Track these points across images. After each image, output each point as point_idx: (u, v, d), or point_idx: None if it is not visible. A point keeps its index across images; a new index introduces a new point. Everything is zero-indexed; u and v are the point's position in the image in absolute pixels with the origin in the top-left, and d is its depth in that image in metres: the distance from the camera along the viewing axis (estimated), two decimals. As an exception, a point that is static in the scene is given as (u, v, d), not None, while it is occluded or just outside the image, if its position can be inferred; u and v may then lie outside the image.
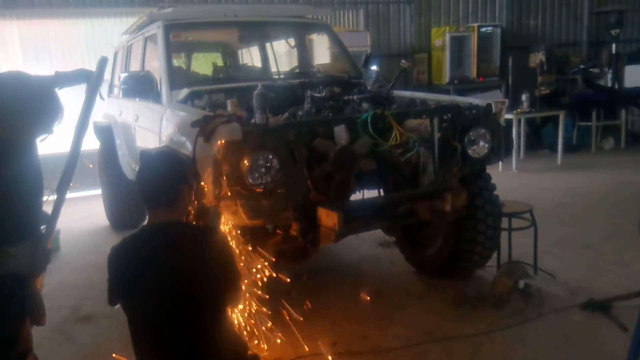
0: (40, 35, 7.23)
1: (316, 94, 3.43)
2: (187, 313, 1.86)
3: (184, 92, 3.41)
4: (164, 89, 3.53)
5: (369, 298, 3.42)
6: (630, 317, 2.63)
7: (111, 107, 4.94)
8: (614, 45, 9.05)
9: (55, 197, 2.21)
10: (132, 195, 4.98)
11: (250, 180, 2.51)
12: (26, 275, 1.97)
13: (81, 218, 5.94)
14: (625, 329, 2.93)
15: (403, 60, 4.05)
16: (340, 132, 2.91)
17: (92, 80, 2.41)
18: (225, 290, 1.94)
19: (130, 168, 4.42)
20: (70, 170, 2.25)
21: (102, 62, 2.40)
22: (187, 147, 2.66)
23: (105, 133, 5.08)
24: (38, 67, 6.83)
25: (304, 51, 4.71)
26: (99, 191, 5.95)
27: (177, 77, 3.68)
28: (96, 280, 4.13)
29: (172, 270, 1.85)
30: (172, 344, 1.89)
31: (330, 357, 2.75)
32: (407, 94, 3.89)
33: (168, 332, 1.89)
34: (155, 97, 3.56)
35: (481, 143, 3.22)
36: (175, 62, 4.81)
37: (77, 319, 3.46)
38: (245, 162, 2.48)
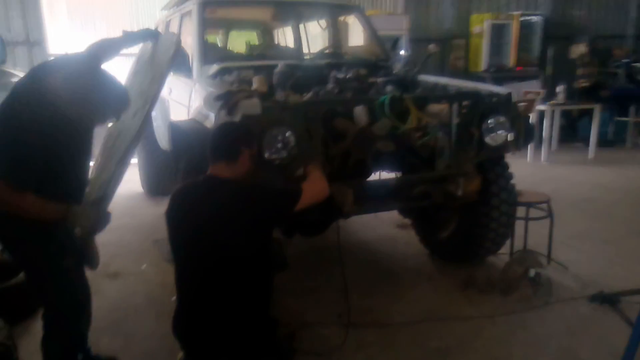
0: (86, 7, 7.54)
1: (341, 75, 3.52)
2: (217, 264, 2.04)
3: (214, 67, 3.55)
4: (195, 64, 3.69)
5: (379, 274, 3.54)
6: (637, 312, 2.66)
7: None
8: (661, 40, 8.71)
9: (117, 166, 2.44)
10: (166, 165, 5.22)
11: (267, 154, 2.65)
12: (90, 232, 2.19)
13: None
14: (631, 324, 2.96)
15: (431, 45, 4.06)
16: (360, 113, 2.99)
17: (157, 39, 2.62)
18: (258, 249, 2.08)
19: (164, 139, 4.63)
20: (136, 143, 2.49)
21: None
22: (211, 121, 2.81)
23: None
24: (83, 37, 7.15)
25: (336, 33, 4.78)
26: (135, 160, 6.25)
27: (208, 53, 3.83)
28: (127, 240, 4.42)
29: (207, 221, 2.03)
30: (201, 292, 2.08)
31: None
32: (433, 78, 3.93)
33: (199, 279, 2.08)
34: (188, 72, 3.73)
35: (499, 131, 3.25)
36: (211, 39, 4.98)
37: (106, 274, 3.71)
38: (263, 136, 2.61)
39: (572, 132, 8.54)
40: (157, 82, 2.69)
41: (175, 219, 2.16)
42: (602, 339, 2.87)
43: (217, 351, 2.11)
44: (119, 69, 2.59)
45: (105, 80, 2.18)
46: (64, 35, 7.47)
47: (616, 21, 9.66)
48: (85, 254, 2.22)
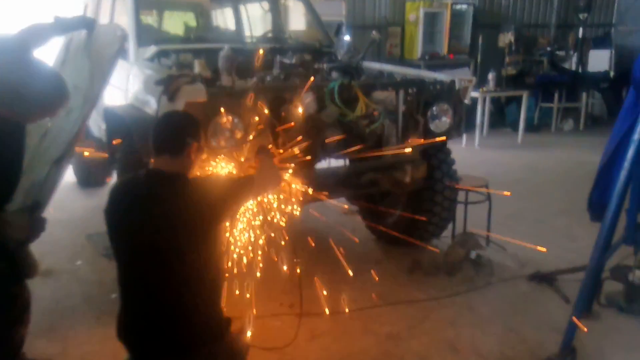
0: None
1: (286, 60, 3.44)
2: (161, 263, 1.90)
3: (152, 49, 3.36)
4: (131, 46, 3.46)
5: (326, 262, 3.52)
6: (573, 290, 2.82)
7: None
8: (580, 29, 9.26)
9: (53, 168, 2.22)
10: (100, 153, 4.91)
11: (214, 143, 2.53)
12: (22, 241, 2.00)
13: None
14: (567, 301, 3.14)
15: (374, 32, 4.07)
16: (308, 100, 2.94)
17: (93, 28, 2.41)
18: (206, 246, 1.96)
19: (97, 125, 4.35)
20: (73, 144, 2.27)
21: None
22: (151, 106, 2.65)
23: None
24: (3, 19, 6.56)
25: (277, 16, 4.67)
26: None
27: (145, 34, 3.61)
28: (58, 236, 4.12)
29: (150, 218, 1.88)
30: (145, 293, 1.94)
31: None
32: (377, 66, 3.93)
33: (143, 279, 1.94)
34: (123, 54, 3.50)
35: (443, 118, 3.32)
36: (146, 20, 4.71)
37: (38, 273, 3.44)
38: (209, 124, 2.50)
39: (500, 118, 8.94)
40: (98, 81, 2.47)
41: (116, 217, 1.99)
42: (543, 316, 3.02)
43: (166, 353, 2.00)
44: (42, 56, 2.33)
45: (40, 71, 1.96)
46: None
47: (540, 11, 10.14)
48: (20, 264, 2.03)
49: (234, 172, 2.64)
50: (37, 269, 2.15)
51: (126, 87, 3.25)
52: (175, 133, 1.98)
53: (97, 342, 2.70)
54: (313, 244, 3.76)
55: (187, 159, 1.98)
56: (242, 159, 2.62)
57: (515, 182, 5.71)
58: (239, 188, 2.10)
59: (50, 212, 2.38)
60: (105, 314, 2.90)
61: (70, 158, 2.33)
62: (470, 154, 6.92)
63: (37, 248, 3.75)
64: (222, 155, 2.62)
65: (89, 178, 5.25)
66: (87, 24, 2.80)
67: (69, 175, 5.49)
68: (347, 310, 3.03)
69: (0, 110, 1.85)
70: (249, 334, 2.58)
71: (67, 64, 3.07)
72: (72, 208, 4.76)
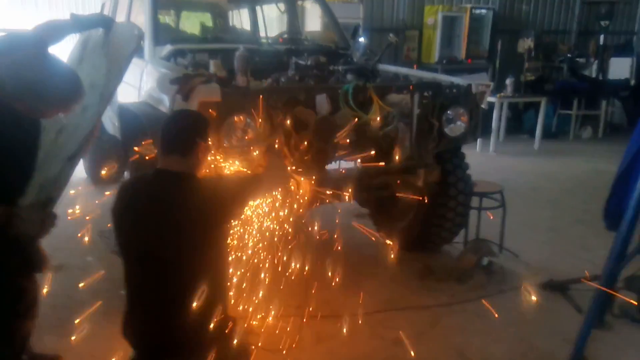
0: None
1: (301, 62, 3.44)
2: (167, 263, 1.90)
3: (167, 48, 3.38)
4: (147, 44, 3.49)
5: (336, 265, 3.50)
6: (586, 300, 2.76)
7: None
8: (602, 37, 9.12)
9: (66, 164, 2.24)
10: (112, 150, 4.96)
11: (226, 143, 2.54)
12: (34, 236, 2.02)
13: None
14: (580, 311, 3.08)
15: (391, 35, 4.05)
16: (322, 102, 2.93)
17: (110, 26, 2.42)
18: (213, 246, 1.96)
19: (111, 122, 4.39)
20: (88, 141, 2.28)
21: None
22: (165, 105, 2.66)
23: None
24: (23, 13, 6.66)
25: (294, 17, 4.68)
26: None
27: (161, 33, 3.64)
28: (71, 232, 4.15)
29: (158, 219, 1.88)
30: (151, 292, 1.94)
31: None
32: (392, 68, 3.91)
33: (149, 278, 1.94)
34: (139, 52, 3.53)
35: (458, 122, 3.29)
36: (163, 19, 4.75)
37: (49, 268, 3.48)
38: (223, 124, 2.50)
39: (517, 124, 8.84)
40: (114, 79, 2.47)
41: (123, 216, 1.98)
42: (554, 326, 2.97)
43: (170, 352, 2.00)
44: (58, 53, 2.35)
45: (56, 67, 1.96)
46: (1, 14, 6.93)
47: (561, 17, 10.02)
48: (31, 259, 2.05)
49: (243, 169, 2.65)
50: (47, 264, 2.17)
51: (140, 85, 3.27)
52: (184, 133, 1.98)
53: (105, 337, 2.70)
54: (321, 247, 3.76)
55: (195, 158, 1.98)
56: (252, 158, 2.62)
57: (531, 189, 5.64)
58: (247, 186, 2.10)
59: (68, 212, 2.40)
60: (113, 310, 2.90)
61: (83, 155, 2.34)
62: (485, 160, 6.85)
63: (50, 242, 3.80)
64: (235, 155, 2.63)
65: (101, 174, 5.29)
66: (105, 22, 2.82)
67: (81, 172, 5.57)
68: (354, 313, 3.02)
69: (16, 105, 1.87)
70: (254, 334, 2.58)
71: (85, 62, 3.10)
72: (83, 204, 4.80)
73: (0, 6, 6.86)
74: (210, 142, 2.04)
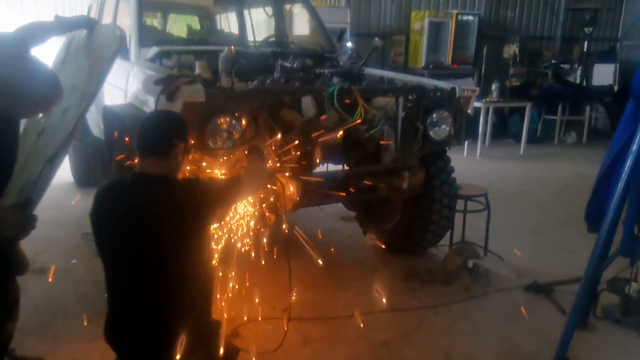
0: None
1: (287, 64, 3.44)
2: (147, 266, 1.88)
3: (153, 50, 3.37)
4: (132, 46, 3.48)
5: (323, 267, 3.51)
6: (570, 301, 2.79)
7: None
8: (585, 43, 9.25)
9: (46, 166, 2.22)
10: (98, 153, 4.92)
11: (211, 144, 2.53)
12: (13, 238, 1.99)
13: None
14: (563, 312, 3.11)
15: (376, 39, 4.06)
16: (307, 104, 2.93)
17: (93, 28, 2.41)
18: (193, 249, 1.93)
19: (96, 125, 4.36)
20: (68, 143, 2.26)
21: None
22: (150, 106, 2.65)
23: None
24: (8, 14, 6.60)
25: (281, 21, 4.68)
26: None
27: (147, 35, 3.63)
28: (55, 235, 4.12)
29: (137, 222, 1.86)
30: (131, 295, 1.92)
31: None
32: (378, 72, 3.93)
33: (129, 282, 1.92)
34: (124, 54, 3.51)
35: (443, 125, 3.31)
36: (150, 22, 4.73)
37: (32, 271, 3.38)
38: (207, 125, 2.49)
39: (503, 129, 8.92)
40: (96, 80, 2.46)
41: (102, 220, 1.95)
42: (538, 327, 2.99)
43: (152, 357, 1.98)
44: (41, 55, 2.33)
45: (36, 68, 1.95)
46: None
47: (546, 23, 10.16)
48: (11, 261, 2.02)
49: (219, 174, 2.64)
50: (28, 266, 2.14)
51: (126, 87, 3.26)
52: (161, 134, 1.94)
53: (87, 341, 2.68)
54: (310, 248, 3.75)
55: (174, 160, 1.94)
56: (234, 160, 2.62)
57: (516, 193, 5.70)
58: (228, 189, 2.08)
59: (50, 211, 2.37)
60: (97, 314, 2.85)
61: (63, 156, 2.32)
62: (471, 164, 6.90)
63: (34, 245, 3.77)
64: (219, 156, 2.62)
65: (88, 177, 5.24)
66: (88, 23, 2.81)
67: (66, 174, 5.52)
68: (341, 315, 3.02)
69: None
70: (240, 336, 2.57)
71: (67, 63, 3.08)
72: (69, 207, 4.74)
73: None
74: (189, 143, 2.01)
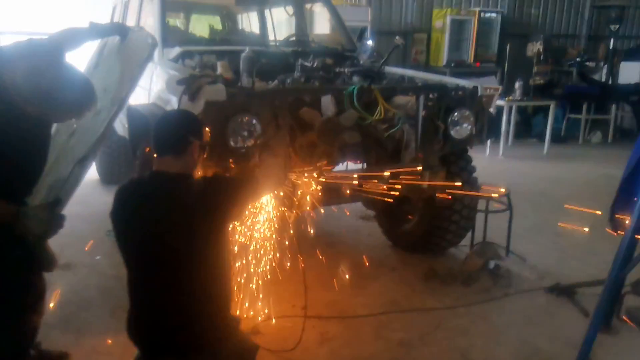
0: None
1: (307, 64, 3.45)
2: (167, 264, 1.90)
3: (176, 50, 3.41)
4: (156, 47, 3.53)
5: (341, 266, 3.51)
6: (593, 304, 2.73)
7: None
8: (612, 41, 9.06)
9: (77, 167, 2.27)
10: (122, 151, 5.01)
11: (232, 143, 2.56)
12: (41, 236, 2.05)
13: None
14: (586, 314, 3.06)
15: (397, 37, 4.05)
16: (327, 103, 2.94)
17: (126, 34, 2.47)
18: (213, 246, 1.94)
19: (121, 124, 4.44)
20: (99, 144, 2.32)
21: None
22: (173, 105, 2.69)
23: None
24: (38, 14, 6.77)
25: (301, 20, 4.70)
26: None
27: (170, 36, 3.68)
28: (80, 231, 4.20)
29: (157, 221, 1.87)
30: (152, 293, 1.94)
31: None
32: (399, 70, 3.92)
33: (150, 280, 1.94)
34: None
35: (464, 124, 3.28)
36: (173, 22, 4.79)
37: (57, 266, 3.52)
38: (228, 124, 2.52)
39: (526, 128, 8.79)
40: (127, 84, 2.52)
41: (122, 219, 1.97)
42: (559, 330, 2.95)
43: (173, 353, 2.00)
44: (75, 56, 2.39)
45: (71, 76, 2.00)
46: (14, 16, 7.02)
47: (571, 21, 9.99)
48: (39, 258, 2.08)
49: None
50: (55, 263, 2.19)
51: (149, 87, 3.31)
52: (176, 132, 1.96)
53: (110, 335, 2.74)
54: (327, 248, 3.77)
55: (190, 157, 1.96)
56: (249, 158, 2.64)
57: (539, 193, 5.61)
58: (246, 187, 2.10)
59: (75, 207, 2.42)
60: (120, 308, 2.92)
61: (93, 158, 2.37)
62: (494, 164, 6.83)
63: (60, 240, 3.85)
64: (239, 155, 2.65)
65: (113, 175, 5.34)
66: (121, 30, 2.88)
67: (92, 172, 5.62)
68: (359, 314, 3.02)
69: (28, 108, 1.91)
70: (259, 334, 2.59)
71: (100, 67, 3.16)
72: (94, 203, 4.85)
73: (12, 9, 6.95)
74: (204, 141, 2.03)
